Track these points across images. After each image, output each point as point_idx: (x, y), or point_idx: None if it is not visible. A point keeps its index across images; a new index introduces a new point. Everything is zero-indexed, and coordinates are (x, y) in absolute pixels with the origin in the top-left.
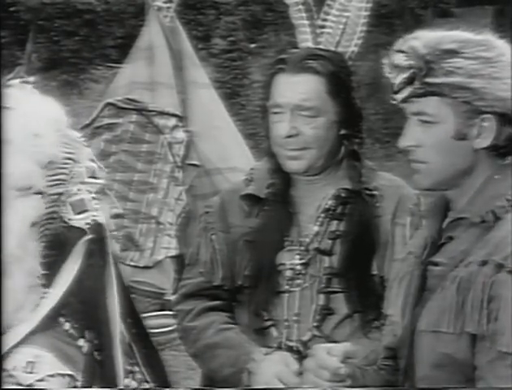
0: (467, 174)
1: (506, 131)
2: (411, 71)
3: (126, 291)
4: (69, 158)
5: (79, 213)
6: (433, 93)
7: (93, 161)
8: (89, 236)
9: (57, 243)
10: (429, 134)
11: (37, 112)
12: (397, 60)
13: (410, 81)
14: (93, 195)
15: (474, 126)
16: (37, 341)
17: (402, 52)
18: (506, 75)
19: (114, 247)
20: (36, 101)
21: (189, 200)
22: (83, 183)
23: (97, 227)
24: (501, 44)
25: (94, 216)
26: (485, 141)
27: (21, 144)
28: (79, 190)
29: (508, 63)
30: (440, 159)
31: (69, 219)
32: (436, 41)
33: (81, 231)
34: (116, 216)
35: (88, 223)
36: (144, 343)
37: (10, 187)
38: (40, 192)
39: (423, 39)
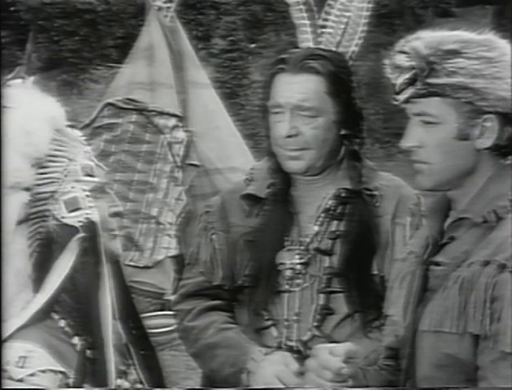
0: (469, 174)
1: (508, 131)
2: (413, 71)
3: (127, 291)
4: (63, 156)
5: (71, 211)
6: (435, 94)
7: (90, 159)
8: (82, 234)
9: (50, 240)
10: (431, 134)
11: (31, 110)
12: (399, 61)
13: (411, 82)
14: (88, 193)
15: (476, 126)
16: (31, 337)
17: (404, 53)
18: (508, 75)
19: (116, 245)
20: (30, 100)
21: (189, 200)
22: (77, 181)
23: (91, 226)
24: (502, 44)
25: (88, 214)
26: (487, 141)
27: (12, 141)
28: (73, 188)
29: (510, 63)
30: (443, 160)
31: (62, 217)
32: (437, 42)
33: (74, 229)
34: (116, 215)
35: (80, 221)
36: (143, 344)
37: (4, 185)
38: (28, 189)
39: (425, 39)
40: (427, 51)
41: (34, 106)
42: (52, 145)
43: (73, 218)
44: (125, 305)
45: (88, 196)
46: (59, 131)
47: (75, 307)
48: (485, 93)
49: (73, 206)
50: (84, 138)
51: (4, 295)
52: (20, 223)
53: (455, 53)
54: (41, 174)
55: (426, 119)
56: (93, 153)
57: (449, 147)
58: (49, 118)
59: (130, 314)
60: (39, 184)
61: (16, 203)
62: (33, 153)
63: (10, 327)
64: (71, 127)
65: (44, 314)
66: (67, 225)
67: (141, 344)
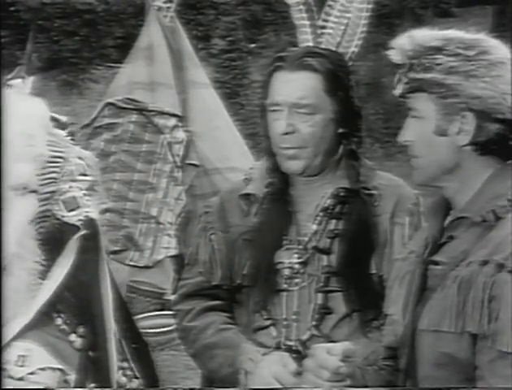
0: (454, 170)
1: (486, 128)
2: (400, 67)
3: (116, 287)
4: (59, 157)
5: (71, 210)
6: (417, 89)
7: (81, 158)
8: (83, 232)
9: (51, 240)
10: (419, 129)
11: (30, 113)
12: (390, 57)
13: (400, 77)
14: (84, 192)
15: (454, 122)
16: (30, 336)
17: (392, 48)
18: (486, 74)
19: (104, 242)
20: (28, 102)
21: (189, 200)
22: (74, 180)
23: (90, 223)
24: (495, 44)
25: (86, 212)
26: (465, 138)
27: (17, 145)
28: (70, 188)
29: (490, 63)
30: (426, 154)
31: (62, 216)
32: (423, 39)
33: (75, 228)
34: (105, 211)
35: (80, 220)
36: (134, 339)
37: (8, 187)
38: (34, 191)
39: (413, 37)
40: (409, 47)
41: (30, 109)
42: (48, 146)
43: (73, 217)
44: (115, 301)
45: (85, 194)
46: (50, 132)
47: (75, 304)
48: (457, 90)
49: (72, 205)
50: (70, 137)
51: (12, 296)
52: (30, 223)
53: (437, 49)
54: (40, 175)
55: (413, 113)
56: (82, 152)
57: (430, 142)
58: (43, 120)
59: (118, 309)
60: (40, 185)
61: (25, 205)
62: (35, 155)
63: (16, 326)
64: (60, 127)
65: (46, 313)
66: (67, 224)
67: (132, 338)
